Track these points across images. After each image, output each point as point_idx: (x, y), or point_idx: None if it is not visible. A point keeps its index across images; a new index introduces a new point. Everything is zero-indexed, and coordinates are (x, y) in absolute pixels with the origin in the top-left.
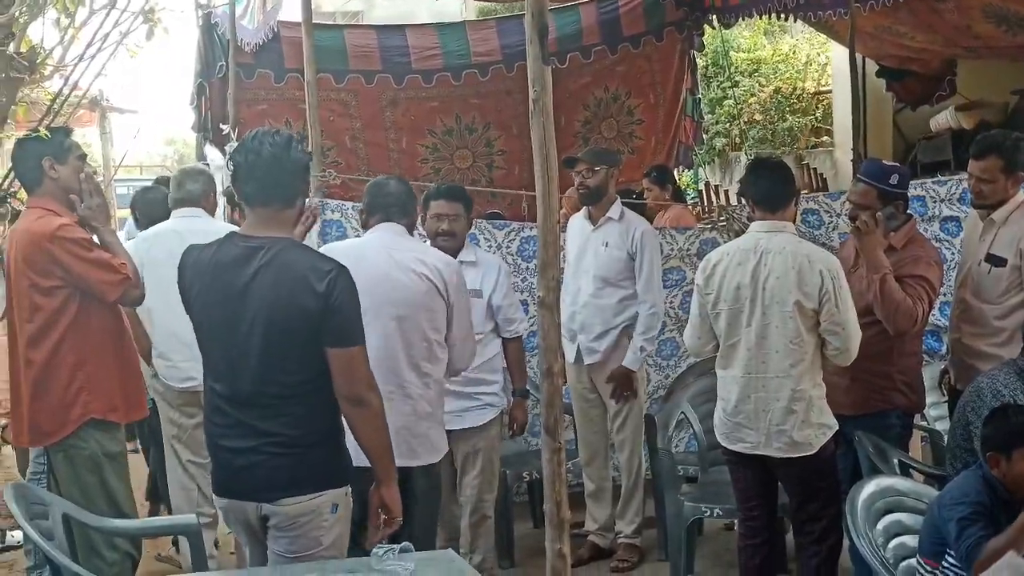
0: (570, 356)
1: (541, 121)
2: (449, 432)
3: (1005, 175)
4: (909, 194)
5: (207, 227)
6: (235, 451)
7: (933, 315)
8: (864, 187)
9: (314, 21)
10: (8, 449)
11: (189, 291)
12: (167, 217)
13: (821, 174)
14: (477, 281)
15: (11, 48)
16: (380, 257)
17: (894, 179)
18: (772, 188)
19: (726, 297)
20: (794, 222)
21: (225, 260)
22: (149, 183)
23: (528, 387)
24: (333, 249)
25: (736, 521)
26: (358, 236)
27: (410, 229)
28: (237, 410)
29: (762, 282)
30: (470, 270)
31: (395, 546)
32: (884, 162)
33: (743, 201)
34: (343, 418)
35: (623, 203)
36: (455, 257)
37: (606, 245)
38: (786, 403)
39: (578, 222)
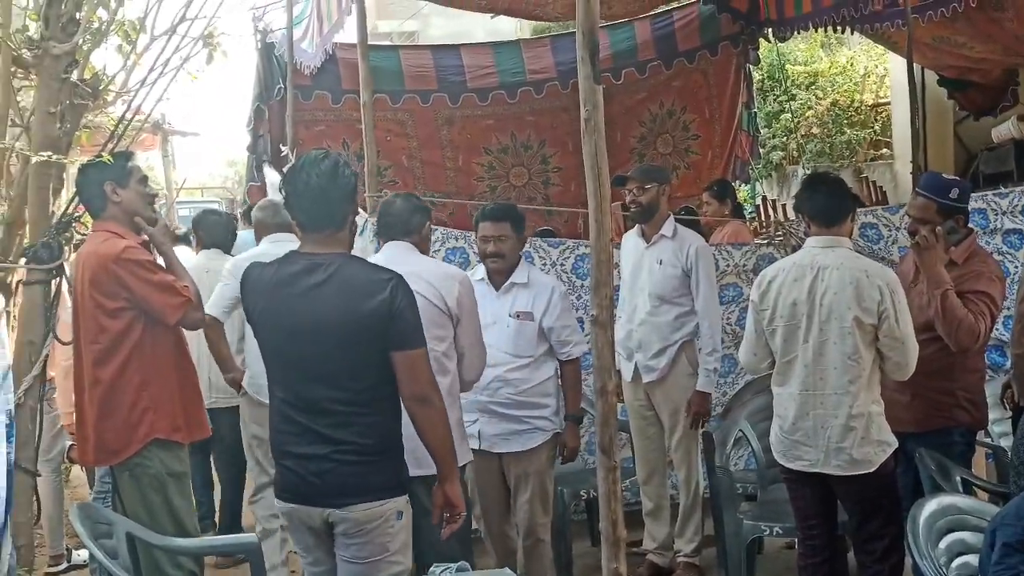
0: (627, 375)
1: (593, 140)
2: (500, 455)
3: None
4: (970, 207)
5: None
6: (306, 457)
7: (997, 329)
8: (924, 201)
9: (370, 43)
10: (77, 471)
11: (254, 307)
12: (228, 239)
13: (880, 187)
14: (528, 303)
15: (75, 75)
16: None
17: (954, 193)
18: (828, 203)
19: (782, 313)
20: (851, 236)
21: (287, 275)
22: (214, 205)
23: (586, 406)
24: None
25: (796, 540)
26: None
27: (419, 245)
28: (308, 418)
29: (819, 298)
30: (522, 292)
31: (452, 565)
32: (944, 175)
33: (800, 216)
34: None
35: (676, 220)
36: (507, 277)
37: (660, 263)
38: (845, 420)
39: (632, 240)
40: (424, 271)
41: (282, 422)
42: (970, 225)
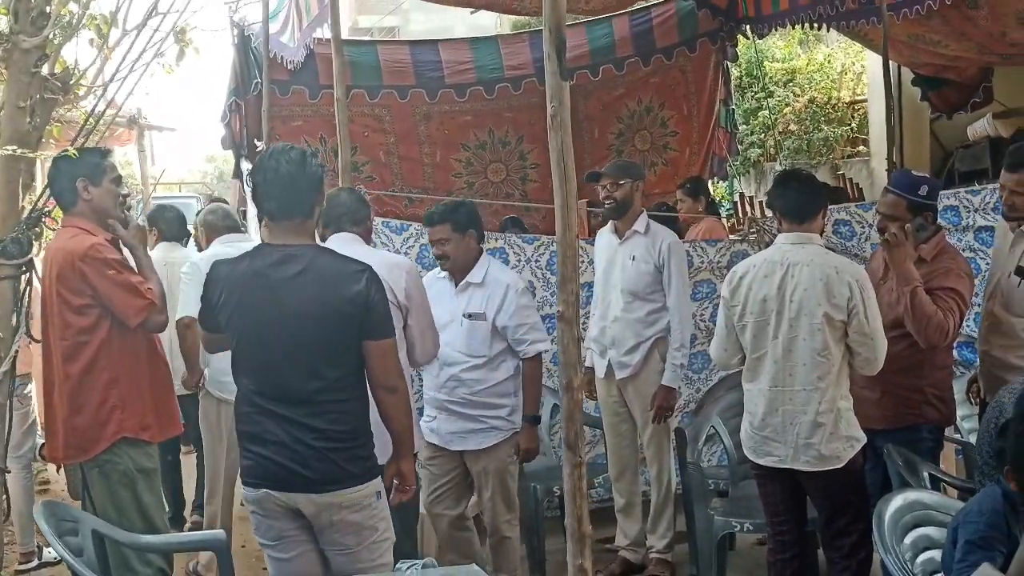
0: (600, 371)
1: (559, 136)
2: (460, 452)
3: None
4: (943, 204)
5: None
6: (283, 445)
7: (968, 325)
8: (893, 198)
9: (351, 37)
10: (54, 470)
11: (227, 302)
12: (183, 232)
13: (857, 184)
14: (482, 303)
15: (45, 70)
16: None
17: (923, 190)
18: (799, 200)
19: (752, 309)
20: (822, 234)
21: (263, 267)
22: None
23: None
24: None
25: (766, 536)
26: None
27: (364, 236)
28: (285, 408)
29: (789, 294)
30: (477, 292)
31: (418, 561)
32: (914, 172)
33: (772, 213)
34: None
35: (651, 216)
36: (464, 277)
37: (633, 259)
38: (813, 416)
39: (605, 236)
40: (372, 262)
41: (255, 412)
42: (940, 222)
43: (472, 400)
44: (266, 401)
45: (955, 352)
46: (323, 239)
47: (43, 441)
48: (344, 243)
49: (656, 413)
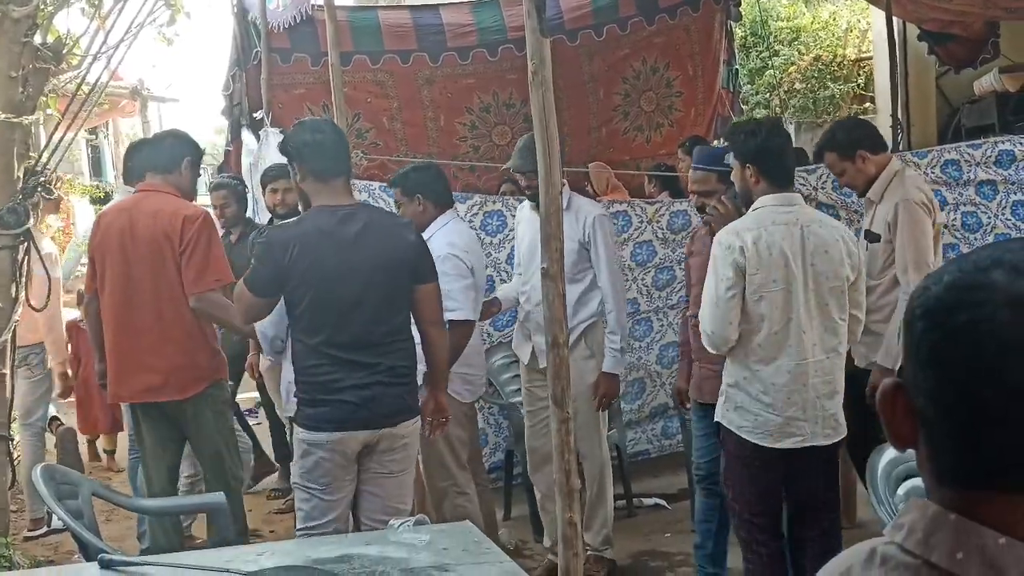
0: (524, 357)
1: (540, 93)
2: None
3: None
4: (944, 158)
5: None
6: (359, 387)
7: None
8: (703, 174)
9: (349, 3)
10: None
11: (296, 263)
12: None
13: None
14: None
15: (36, 39)
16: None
17: (728, 159)
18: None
19: (776, 276)
20: None
21: (328, 228)
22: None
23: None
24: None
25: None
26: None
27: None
28: (357, 353)
29: (811, 257)
30: None
31: (410, 519)
32: (714, 145)
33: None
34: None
35: (652, 174)
36: None
37: None
38: (835, 385)
39: (526, 213)
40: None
41: (327, 363)
42: (942, 176)
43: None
44: (340, 351)
45: None
46: None
47: (54, 414)
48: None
49: (599, 402)
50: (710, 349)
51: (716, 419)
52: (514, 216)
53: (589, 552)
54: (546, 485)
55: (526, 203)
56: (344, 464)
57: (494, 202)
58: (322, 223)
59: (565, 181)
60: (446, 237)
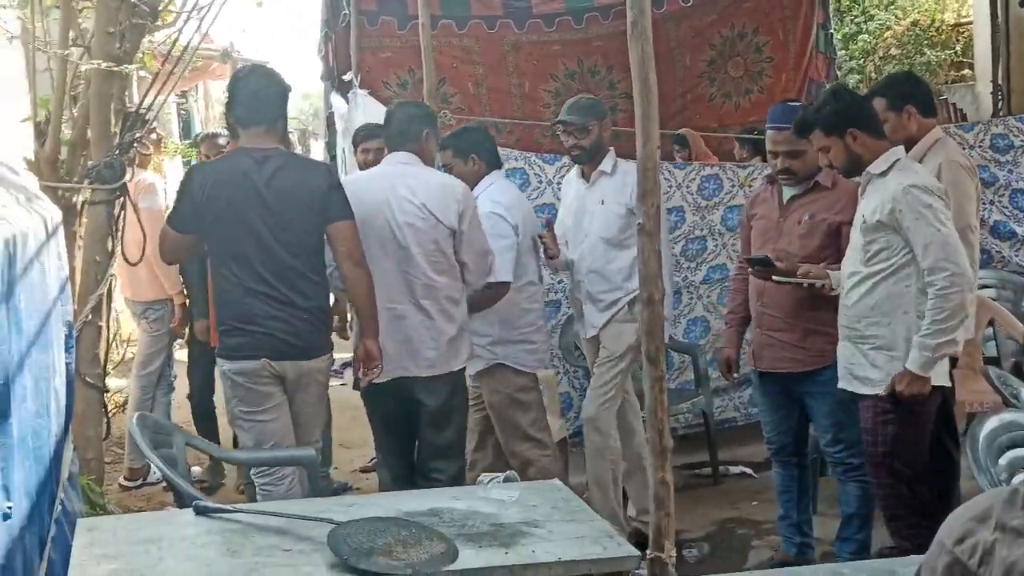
0: (580, 330)
1: (640, 45)
2: None
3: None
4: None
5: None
6: (277, 319)
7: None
8: (785, 134)
9: None
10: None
11: (211, 200)
12: None
13: (961, 110)
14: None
15: None
16: (381, 186)
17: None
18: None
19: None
20: None
21: (246, 168)
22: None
23: None
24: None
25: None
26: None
27: (423, 155)
28: (273, 287)
29: None
30: None
31: (499, 475)
32: (786, 103)
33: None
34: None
35: (739, 139)
36: None
37: (603, 202)
38: None
39: (572, 184)
40: (424, 183)
41: (246, 295)
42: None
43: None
44: (254, 283)
45: None
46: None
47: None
48: (394, 164)
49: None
50: (964, 297)
51: (938, 383)
52: (538, 175)
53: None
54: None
55: (574, 170)
56: (268, 392)
57: (516, 159)
58: (238, 163)
59: (612, 148)
60: (490, 196)
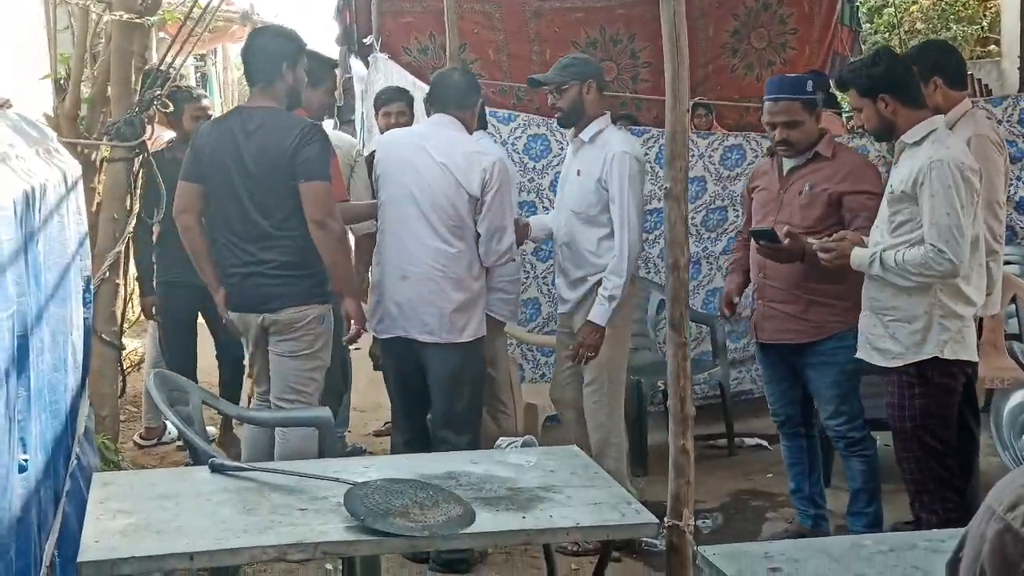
0: (560, 304)
1: (672, 5)
2: None
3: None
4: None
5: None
6: (244, 275)
7: None
8: (786, 104)
9: None
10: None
11: (204, 154)
12: None
13: (986, 85)
14: None
15: None
16: (411, 145)
17: (810, 85)
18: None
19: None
20: None
21: (233, 126)
22: None
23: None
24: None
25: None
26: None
27: (467, 122)
28: (244, 244)
29: None
30: None
31: (517, 439)
32: (790, 73)
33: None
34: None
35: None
36: None
37: (579, 173)
38: None
39: (568, 148)
40: (459, 148)
41: (225, 248)
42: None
43: None
44: (232, 236)
45: None
46: (429, 116)
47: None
48: (435, 125)
49: (575, 354)
50: (950, 281)
51: (936, 354)
52: (560, 142)
53: None
54: (593, 440)
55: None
56: (252, 335)
57: (539, 125)
58: (230, 121)
59: (607, 112)
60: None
